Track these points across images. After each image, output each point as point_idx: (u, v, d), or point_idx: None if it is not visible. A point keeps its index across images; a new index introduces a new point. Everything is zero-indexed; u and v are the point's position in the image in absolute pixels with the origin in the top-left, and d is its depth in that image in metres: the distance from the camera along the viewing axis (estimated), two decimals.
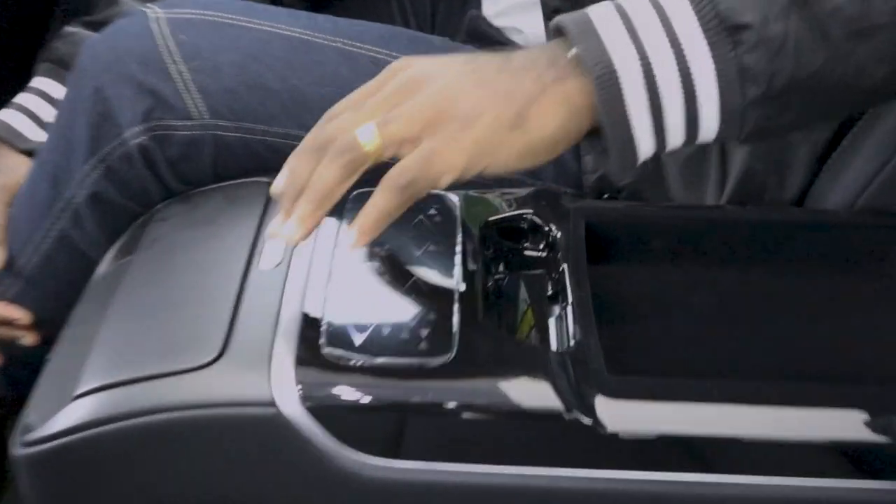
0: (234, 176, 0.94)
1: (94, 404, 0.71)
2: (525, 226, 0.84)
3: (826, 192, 0.87)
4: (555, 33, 0.74)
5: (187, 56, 0.95)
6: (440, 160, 0.71)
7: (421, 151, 0.71)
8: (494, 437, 0.70)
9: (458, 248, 0.79)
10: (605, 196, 0.95)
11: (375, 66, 0.87)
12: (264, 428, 0.69)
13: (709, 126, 0.72)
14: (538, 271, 0.82)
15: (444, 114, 0.71)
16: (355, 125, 0.72)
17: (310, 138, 0.74)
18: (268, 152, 0.95)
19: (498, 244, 0.83)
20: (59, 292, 0.98)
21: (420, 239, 0.80)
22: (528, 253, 0.83)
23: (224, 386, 0.70)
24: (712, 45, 0.70)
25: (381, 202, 0.72)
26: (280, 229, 0.74)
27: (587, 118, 0.72)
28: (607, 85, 0.70)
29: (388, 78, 0.74)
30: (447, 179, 0.72)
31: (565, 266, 0.79)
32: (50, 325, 0.89)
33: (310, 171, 0.73)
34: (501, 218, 0.84)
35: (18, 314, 1.01)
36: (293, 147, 0.75)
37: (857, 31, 0.70)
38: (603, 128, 0.72)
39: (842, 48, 0.70)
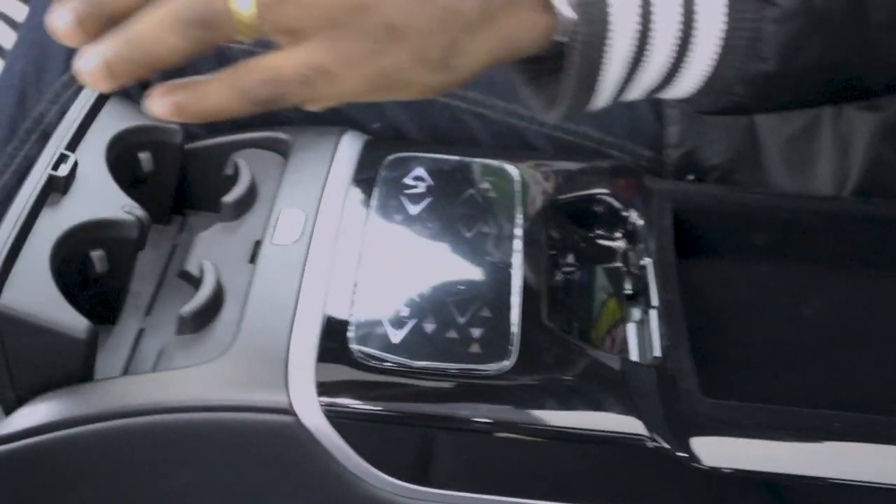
0: None
1: (67, 400, 0.68)
2: (600, 209, 0.82)
3: None
4: None
5: None
6: (329, 86, 0.60)
7: (307, 65, 0.59)
8: (560, 467, 0.68)
9: (519, 232, 0.77)
10: (691, 178, 0.92)
11: None
12: (277, 439, 0.67)
13: (677, 92, 0.67)
14: (614, 265, 0.81)
15: (357, 16, 0.60)
16: None
17: None
18: None
19: (566, 229, 0.81)
20: None
21: (472, 218, 0.78)
22: (602, 242, 0.82)
23: (230, 386, 0.68)
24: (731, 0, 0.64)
25: (219, 103, 0.60)
26: (79, 58, 0.59)
27: (524, 54, 0.64)
28: (594, 26, 0.62)
29: None
30: (321, 106, 0.62)
31: (648, 260, 0.77)
32: None
33: (128, 4, 0.59)
34: (571, 198, 0.82)
35: None
36: None
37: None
38: (566, 78, 0.63)
39: (873, 36, 0.67)
